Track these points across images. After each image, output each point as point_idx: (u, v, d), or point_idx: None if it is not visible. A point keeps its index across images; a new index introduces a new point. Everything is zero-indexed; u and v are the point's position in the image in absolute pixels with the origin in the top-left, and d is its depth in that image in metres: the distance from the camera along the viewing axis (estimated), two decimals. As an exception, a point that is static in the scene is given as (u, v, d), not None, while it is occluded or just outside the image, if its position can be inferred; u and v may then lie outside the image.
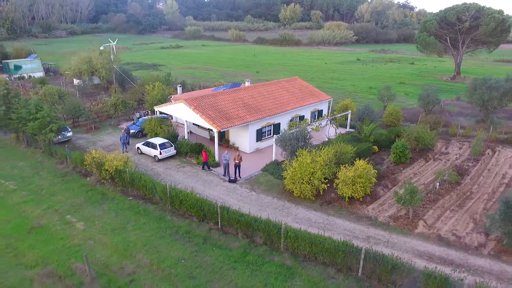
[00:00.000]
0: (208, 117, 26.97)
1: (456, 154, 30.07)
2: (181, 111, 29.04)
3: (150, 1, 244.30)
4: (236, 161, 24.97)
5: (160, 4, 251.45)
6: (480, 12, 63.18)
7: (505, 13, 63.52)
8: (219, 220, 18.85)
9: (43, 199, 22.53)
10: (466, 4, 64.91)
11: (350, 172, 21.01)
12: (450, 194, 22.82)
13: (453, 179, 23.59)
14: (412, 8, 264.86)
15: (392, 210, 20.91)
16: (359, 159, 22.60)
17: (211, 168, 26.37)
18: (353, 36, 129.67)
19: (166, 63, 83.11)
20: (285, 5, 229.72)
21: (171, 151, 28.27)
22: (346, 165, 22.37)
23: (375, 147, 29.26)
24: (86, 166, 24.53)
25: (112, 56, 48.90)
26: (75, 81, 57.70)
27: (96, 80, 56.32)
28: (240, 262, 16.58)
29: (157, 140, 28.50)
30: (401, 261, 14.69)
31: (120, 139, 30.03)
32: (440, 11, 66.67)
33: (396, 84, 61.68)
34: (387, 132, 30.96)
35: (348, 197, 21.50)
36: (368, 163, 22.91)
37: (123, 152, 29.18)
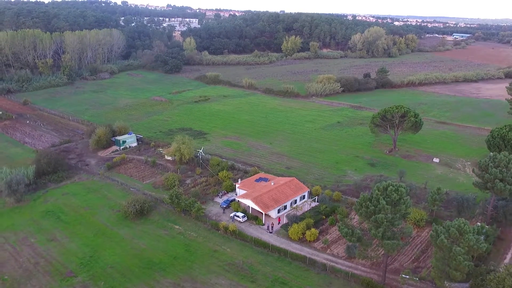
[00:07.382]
0: (260, 206, 78.70)
1: (354, 218, 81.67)
2: (249, 202, 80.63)
3: (167, 30, 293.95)
4: (272, 224, 76.66)
5: (175, 32, 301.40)
6: (405, 113, 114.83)
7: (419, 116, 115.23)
8: (270, 248, 70.68)
9: (206, 241, 74.16)
10: (398, 106, 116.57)
11: (309, 232, 72.78)
12: (344, 239, 74.50)
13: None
14: (401, 35, 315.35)
15: (321, 245, 72.64)
16: (314, 224, 74.27)
17: (270, 230, 77.69)
18: (339, 87, 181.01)
19: (207, 129, 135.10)
20: (286, 36, 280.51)
21: (246, 218, 79.90)
22: (309, 229, 73.98)
23: (324, 216, 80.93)
24: (219, 226, 76.16)
25: (201, 157, 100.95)
26: (166, 156, 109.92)
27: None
28: (278, 260, 68.44)
29: (240, 214, 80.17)
30: (316, 260, 66.59)
31: (223, 211, 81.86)
32: (382, 110, 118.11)
33: (352, 157, 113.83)
34: (329, 208, 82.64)
35: (309, 240, 73.13)
36: (317, 226, 74.69)
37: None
